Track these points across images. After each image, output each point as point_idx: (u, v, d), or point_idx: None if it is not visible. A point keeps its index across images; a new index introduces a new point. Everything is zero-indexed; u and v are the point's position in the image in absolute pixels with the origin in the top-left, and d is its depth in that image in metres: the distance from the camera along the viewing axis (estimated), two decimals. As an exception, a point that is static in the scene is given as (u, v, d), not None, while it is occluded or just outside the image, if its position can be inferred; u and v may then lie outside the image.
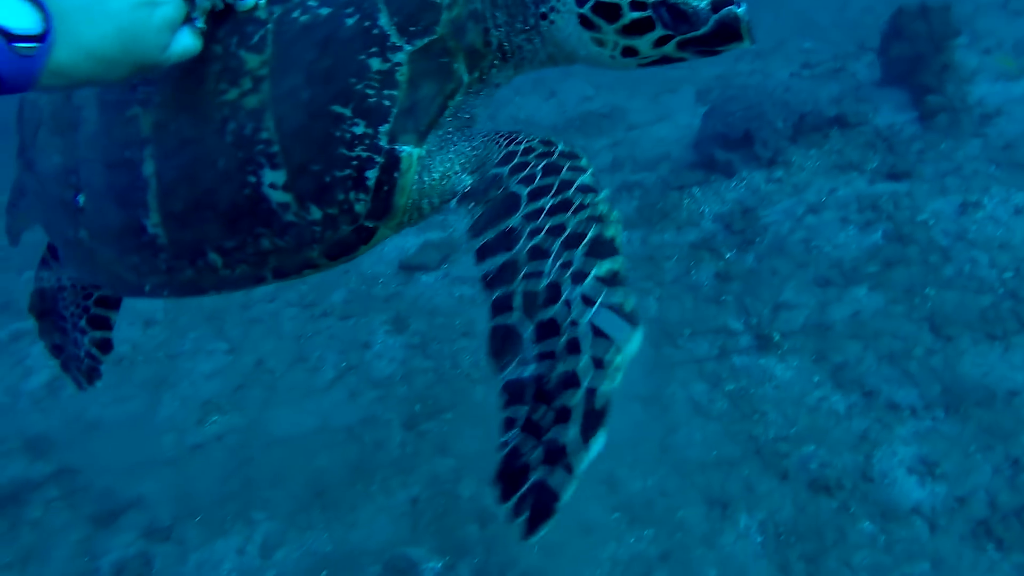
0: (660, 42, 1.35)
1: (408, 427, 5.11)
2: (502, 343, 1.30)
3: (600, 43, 1.39)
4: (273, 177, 1.40)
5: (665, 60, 1.39)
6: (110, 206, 1.57)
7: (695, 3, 1.29)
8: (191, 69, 1.42)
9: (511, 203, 1.34)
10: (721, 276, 5.37)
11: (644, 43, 1.36)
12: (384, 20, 1.35)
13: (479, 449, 4.77)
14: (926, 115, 6.44)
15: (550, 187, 1.33)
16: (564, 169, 1.36)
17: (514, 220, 1.32)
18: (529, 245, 1.29)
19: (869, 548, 3.73)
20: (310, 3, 1.38)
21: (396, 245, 6.74)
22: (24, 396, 6.57)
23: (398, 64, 1.35)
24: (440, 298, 6.10)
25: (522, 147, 1.40)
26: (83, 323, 2.04)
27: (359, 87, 1.35)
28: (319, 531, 4.66)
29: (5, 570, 5.07)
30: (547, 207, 1.32)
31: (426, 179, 1.43)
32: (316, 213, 1.41)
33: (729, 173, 6.28)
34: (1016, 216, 5.22)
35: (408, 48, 1.35)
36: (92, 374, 2.13)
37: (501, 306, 1.30)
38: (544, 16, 1.42)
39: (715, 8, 1.29)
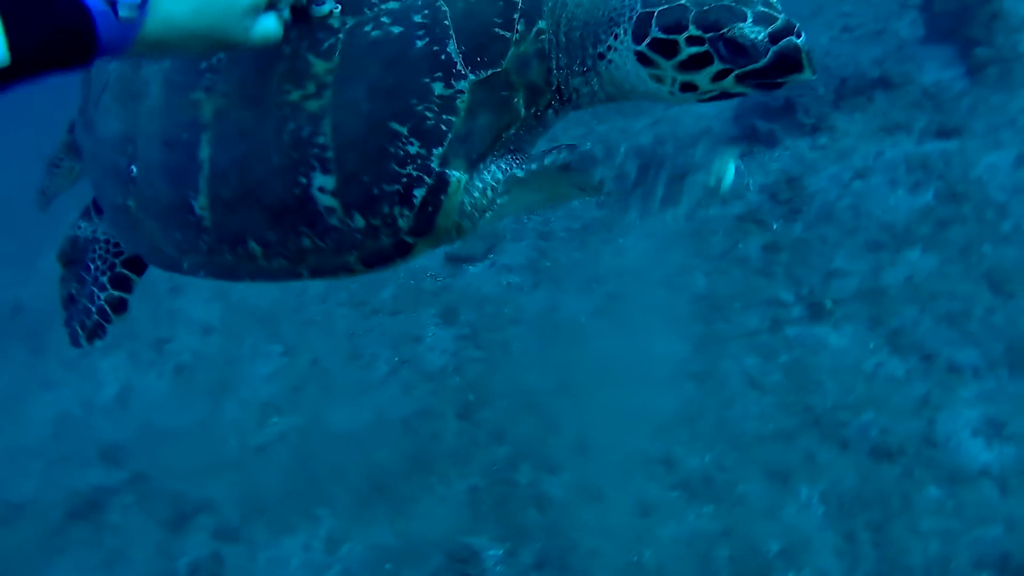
0: (719, 76, 1.35)
1: (463, 417, 5.15)
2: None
3: (658, 79, 1.39)
4: (323, 181, 1.43)
5: (725, 95, 1.40)
6: (161, 181, 1.62)
7: (752, 36, 1.28)
8: (258, 65, 1.47)
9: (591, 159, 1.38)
10: (769, 247, 5.29)
11: (703, 78, 1.36)
12: (452, 47, 1.38)
13: (534, 435, 4.79)
14: (974, 69, 6.23)
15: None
16: None
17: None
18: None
19: (937, 513, 3.66)
20: (383, 19, 1.41)
21: (442, 238, 6.77)
22: (97, 408, 6.80)
23: (460, 91, 1.37)
24: (488, 287, 6.13)
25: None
26: (105, 279, 2.05)
27: (419, 108, 1.38)
28: (381, 524, 4.73)
29: (94, 571, 5.28)
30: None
31: (467, 202, 1.46)
32: (360, 222, 1.44)
33: (772, 143, 6.16)
34: (1075, 168, 5.04)
35: (472, 77, 1.38)
36: (96, 332, 2.12)
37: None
38: (602, 56, 1.44)
39: (773, 40, 1.28)
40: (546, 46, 1.44)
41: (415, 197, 1.41)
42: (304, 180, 1.44)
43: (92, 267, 2.06)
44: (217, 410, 6.22)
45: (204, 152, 1.53)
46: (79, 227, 2.08)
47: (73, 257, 2.10)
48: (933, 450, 3.87)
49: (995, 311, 4.35)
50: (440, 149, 1.39)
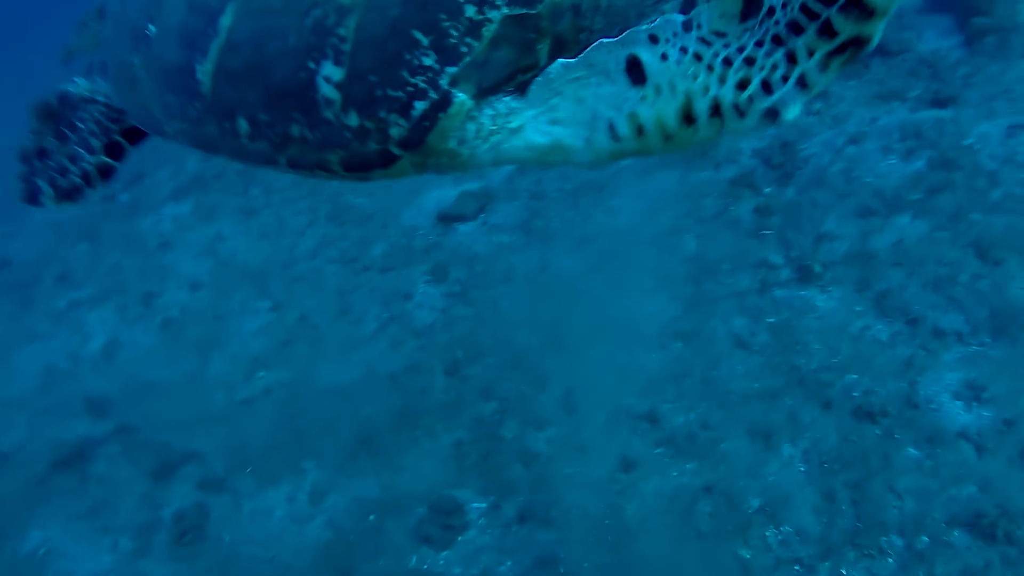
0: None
1: (450, 373, 5.17)
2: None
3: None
4: (331, 71, 1.43)
5: None
6: (174, 43, 1.62)
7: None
8: None
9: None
10: (761, 211, 5.29)
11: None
12: None
13: (521, 391, 4.81)
14: (973, 38, 6.20)
15: None
16: None
17: None
18: None
19: (915, 472, 3.69)
20: None
21: (434, 196, 6.76)
22: (84, 360, 6.80)
23: (489, 20, 1.37)
24: (479, 246, 6.12)
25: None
26: (98, 143, 2.04)
27: (446, 24, 1.37)
28: (367, 477, 4.76)
29: (79, 519, 5.30)
30: None
31: (470, 128, 1.44)
32: (353, 120, 1.44)
33: (767, 108, 6.13)
34: (1067, 137, 5.04)
35: (505, 11, 1.38)
36: (72, 195, 2.10)
37: None
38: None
39: None
40: (584, 4, 1.42)
41: (415, 108, 1.40)
42: (313, 65, 1.43)
43: (81, 127, 2.04)
44: (204, 364, 6.22)
45: (225, 20, 1.53)
46: (75, 83, 2.05)
47: (58, 111, 2.06)
48: (914, 411, 3.90)
49: (981, 278, 4.37)
50: (454, 68, 1.38)
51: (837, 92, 6.07)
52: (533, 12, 1.39)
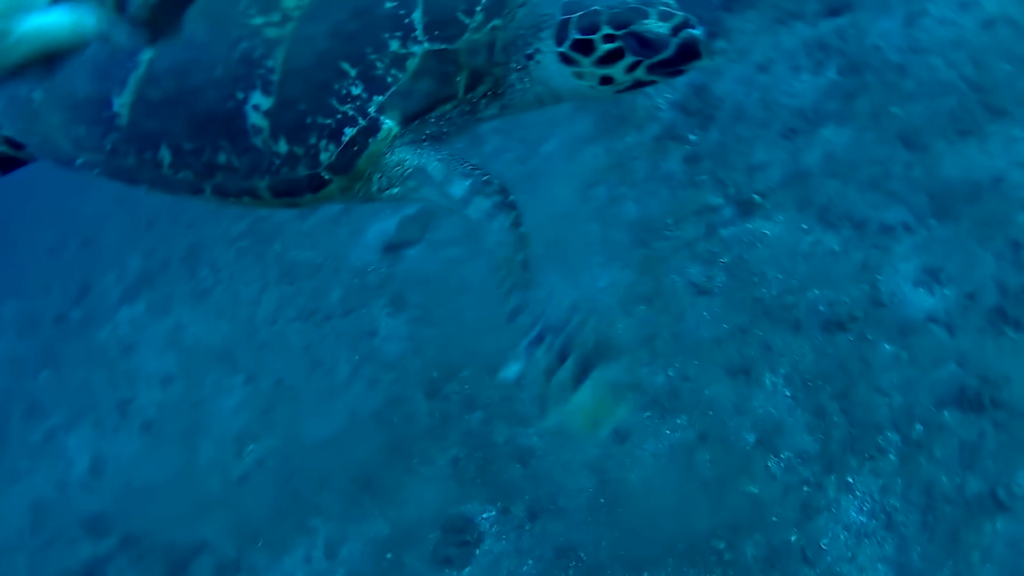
0: (631, 68, 1.53)
1: (431, 396, 5.12)
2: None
3: (580, 76, 1.57)
4: (260, 100, 1.49)
5: (638, 84, 1.57)
6: (83, 75, 1.62)
7: (657, 30, 1.47)
8: None
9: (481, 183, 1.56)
10: (690, 159, 5.31)
11: (618, 71, 1.54)
12: (417, 15, 1.50)
13: (502, 394, 4.78)
14: (850, -56, 6.29)
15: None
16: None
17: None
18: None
19: (894, 367, 3.70)
20: None
21: (376, 230, 6.73)
22: (72, 485, 6.68)
23: (412, 54, 1.49)
24: (430, 266, 6.10)
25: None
26: None
27: (372, 57, 1.48)
28: (374, 518, 4.70)
29: (102, 646, 5.21)
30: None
31: (388, 158, 1.54)
32: (282, 147, 1.50)
33: (673, 61, 6.18)
34: (963, 11, 5.10)
35: (427, 46, 1.51)
36: None
37: None
38: (530, 57, 1.59)
39: (675, 32, 1.47)
40: (496, 41, 1.56)
41: (344, 135, 1.49)
42: (241, 95, 1.49)
43: None
44: (193, 454, 6.13)
45: (145, 54, 1.56)
46: None
47: None
48: (881, 310, 3.92)
49: (913, 166, 4.41)
50: (380, 98, 1.49)
51: (737, 26, 6.12)
52: (452, 48, 1.53)
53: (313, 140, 1.50)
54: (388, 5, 1.49)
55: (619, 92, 1.60)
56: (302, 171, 1.52)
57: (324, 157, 1.50)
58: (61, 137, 1.68)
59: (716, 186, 5.02)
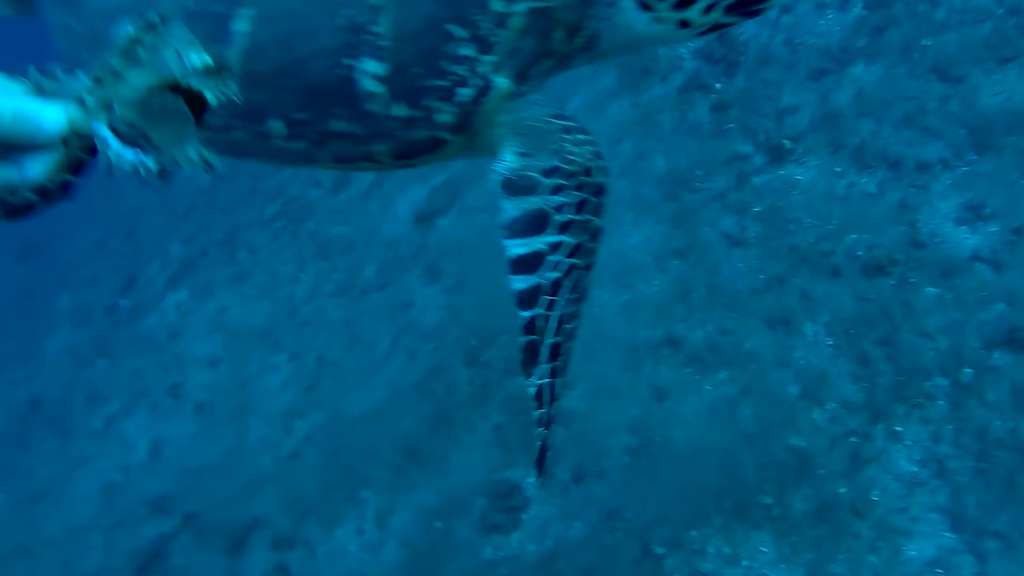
0: (707, 10, 1.57)
1: (470, 364, 5.15)
2: (530, 355, 1.69)
3: (659, 20, 1.60)
4: (373, 67, 1.50)
5: (718, 26, 1.60)
6: None
7: None
8: None
9: (541, 220, 1.60)
10: (717, 108, 5.19)
11: (695, 13, 1.58)
12: None
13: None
14: None
15: (578, 227, 1.60)
16: (590, 205, 1.62)
17: (542, 243, 1.60)
18: (549, 278, 1.62)
19: (939, 310, 3.61)
20: None
21: (407, 200, 6.74)
22: (134, 468, 6.89)
23: (516, 13, 1.52)
24: (462, 233, 6.09)
25: (563, 159, 1.60)
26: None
27: (477, 18, 1.50)
28: (422, 488, 4.76)
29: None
30: (570, 248, 1.61)
31: (501, 116, 1.59)
32: (400, 111, 1.53)
33: (694, 7, 6.02)
34: (994, -68, 4.88)
35: (528, 4, 1.53)
36: (25, 211, 2.11)
37: (531, 327, 1.66)
38: (611, 5, 1.63)
39: None
40: None
41: (459, 95, 1.52)
42: (352, 63, 1.50)
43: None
44: (244, 433, 6.27)
45: (240, 25, 1.55)
46: None
47: None
48: (922, 251, 3.81)
49: (949, 99, 4.25)
50: (492, 58, 1.52)
51: (758, -32, 5.93)
52: (549, 5, 1.56)
53: (429, 102, 1.52)
54: None
55: (700, 34, 1.65)
56: (421, 133, 1.55)
57: (442, 118, 1.54)
58: None
59: (745, 134, 4.91)
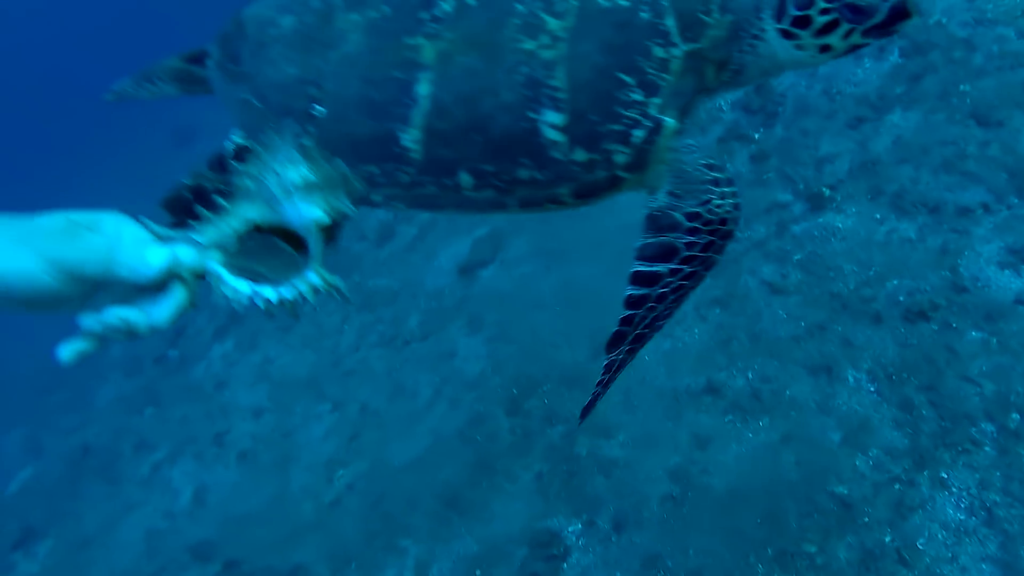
0: (847, 35, 1.66)
1: (512, 413, 5.16)
2: (616, 342, 1.82)
3: (800, 47, 1.72)
4: (553, 118, 1.65)
5: (853, 48, 1.70)
6: (359, 117, 1.77)
7: None
8: (490, 19, 1.70)
9: (670, 253, 1.77)
10: (756, 157, 5.23)
11: (835, 39, 1.68)
12: (670, 22, 1.68)
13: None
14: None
15: (699, 261, 1.77)
16: (716, 247, 1.78)
17: (664, 268, 1.77)
18: (659, 292, 1.79)
19: (984, 354, 3.56)
20: None
21: (450, 253, 6.84)
22: (179, 515, 6.97)
23: (675, 57, 1.66)
24: (504, 283, 6.16)
25: (708, 210, 1.78)
26: None
27: (642, 64, 1.65)
28: (462, 536, 4.75)
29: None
30: (687, 275, 1.78)
31: (669, 152, 1.71)
32: (581, 155, 1.66)
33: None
34: (1031, -21, 4.90)
35: (684, 47, 1.68)
36: None
37: (627, 321, 1.80)
38: (756, 37, 1.75)
39: None
40: (728, 33, 1.73)
41: (633, 136, 1.65)
42: (534, 115, 1.65)
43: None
44: (286, 481, 6.33)
45: (423, 89, 1.70)
46: (205, 176, 2.16)
47: (185, 204, 2.17)
48: (964, 295, 3.77)
49: (989, 144, 4.24)
50: (658, 100, 1.65)
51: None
52: (700, 46, 1.69)
53: (607, 145, 1.65)
54: (643, 16, 1.65)
55: (836, 57, 1.74)
56: (601, 173, 1.67)
57: (619, 158, 1.66)
58: (352, 177, 1.83)
59: (784, 182, 4.93)
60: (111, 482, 8.09)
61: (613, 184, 1.70)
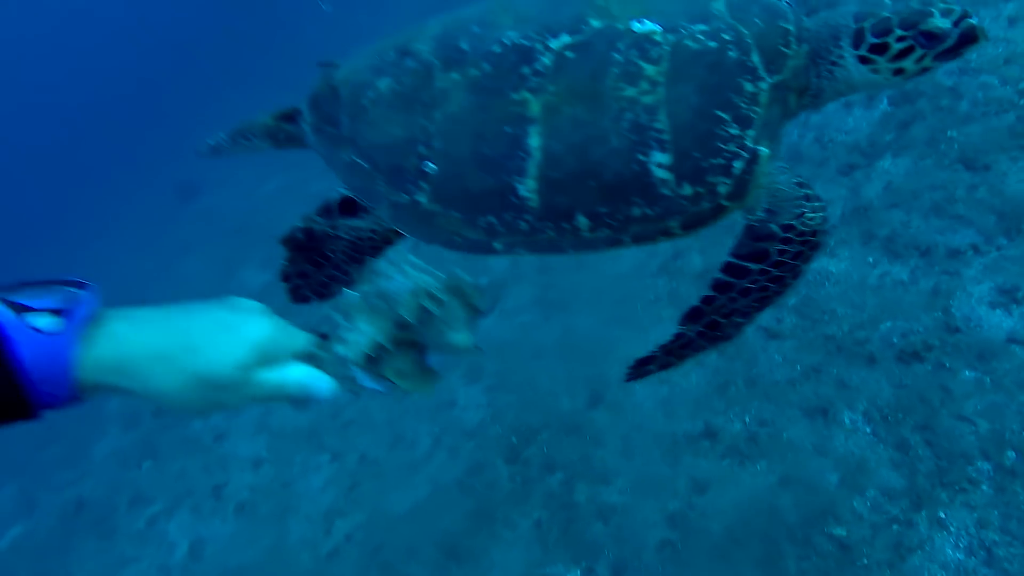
0: (920, 59, 1.78)
1: (511, 461, 5.15)
2: (692, 317, 1.98)
3: (876, 71, 1.84)
4: (661, 158, 1.76)
5: (924, 70, 1.82)
6: (473, 172, 1.86)
7: (942, 25, 1.73)
8: (590, 70, 1.80)
9: (762, 256, 1.89)
10: (749, 205, 5.30)
11: (909, 63, 1.80)
12: (756, 57, 1.78)
13: (581, 454, 4.77)
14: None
15: (788, 268, 1.90)
16: (804, 256, 1.90)
17: (754, 266, 1.90)
18: (744, 286, 1.91)
19: (978, 393, 3.57)
20: (699, 36, 1.78)
21: (448, 304, 6.87)
22: (174, 569, 6.89)
23: (763, 90, 1.78)
24: (504, 333, 6.18)
25: (801, 222, 1.89)
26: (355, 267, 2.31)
27: (736, 100, 1.77)
28: (461, 585, 4.70)
29: None
30: (775, 278, 1.91)
31: (766, 178, 1.82)
32: (687, 190, 1.76)
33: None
34: (1012, 27, 5.03)
35: (770, 80, 1.79)
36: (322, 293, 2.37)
37: (708, 300, 1.94)
38: (834, 63, 1.87)
39: (956, 24, 1.74)
40: (806, 61, 1.85)
41: (734, 168, 1.76)
42: (643, 157, 1.76)
43: (333, 257, 2.28)
44: (284, 533, 6.27)
45: (534, 141, 1.81)
46: (315, 221, 2.25)
47: (304, 245, 2.30)
48: (957, 335, 3.80)
49: (976, 187, 4.31)
50: (752, 132, 1.76)
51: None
52: (783, 77, 1.80)
53: (711, 179, 1.75)
54: (731, 55, 1.76)
55: (908, 79, 1.86)
56: (706, 205, 1.77)
57: (722, 189, 1.75)
58: (467, 229, 1.92)
59: (778, 228, 4.99)
60: (104, 537, 8.00)
61: (717, 213, 1.79)
